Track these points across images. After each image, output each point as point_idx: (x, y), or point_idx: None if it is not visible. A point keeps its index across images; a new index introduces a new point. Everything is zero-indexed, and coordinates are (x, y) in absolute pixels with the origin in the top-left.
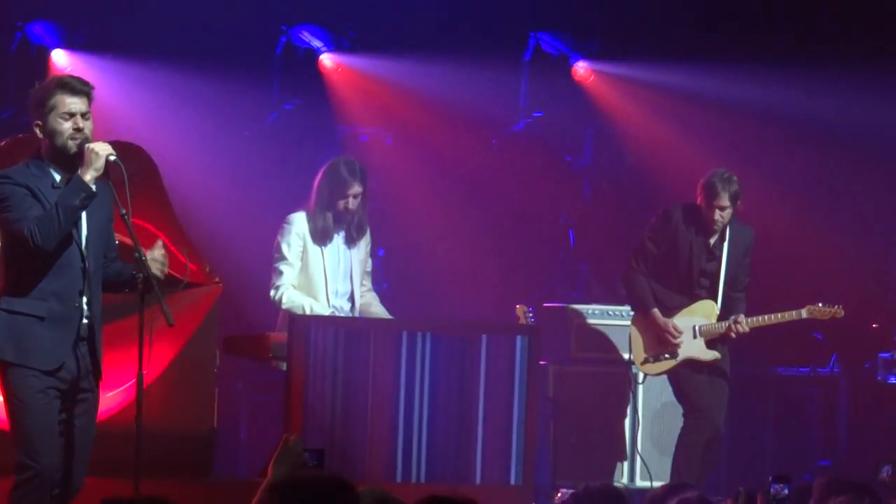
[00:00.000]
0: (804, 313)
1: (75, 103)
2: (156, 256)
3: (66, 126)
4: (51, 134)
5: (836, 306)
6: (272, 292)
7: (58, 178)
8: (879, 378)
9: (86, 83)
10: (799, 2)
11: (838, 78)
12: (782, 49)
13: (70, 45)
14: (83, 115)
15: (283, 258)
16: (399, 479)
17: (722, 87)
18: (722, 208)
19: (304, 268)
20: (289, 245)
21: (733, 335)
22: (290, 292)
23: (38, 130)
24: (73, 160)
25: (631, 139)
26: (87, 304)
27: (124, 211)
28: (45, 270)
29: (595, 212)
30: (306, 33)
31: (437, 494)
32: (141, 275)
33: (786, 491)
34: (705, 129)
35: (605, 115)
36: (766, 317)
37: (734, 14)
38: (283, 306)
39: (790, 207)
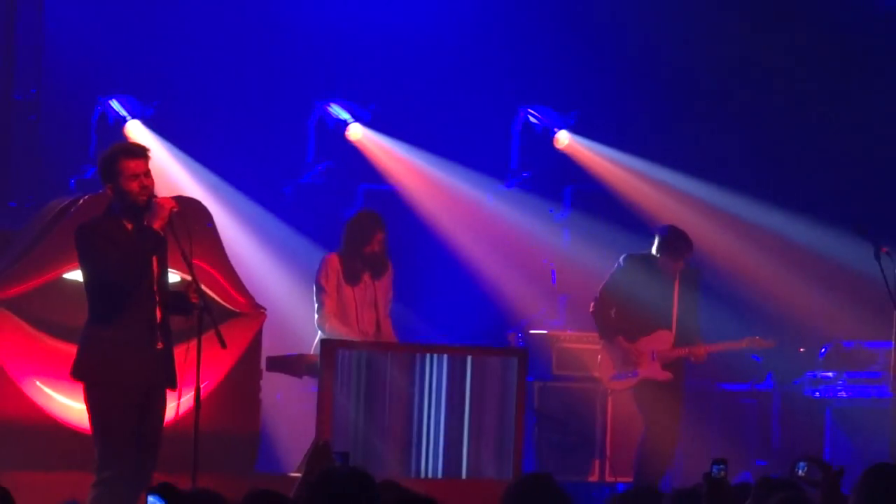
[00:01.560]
0: (745, 343)
1: (138, 165)
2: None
3: (134, 185)
4: (121, 193)
5: (770, 339)
6: (317, 319)
7: (130, 226)
8: (806, 393)
9: (143, 147)
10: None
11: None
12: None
13: (141, 116)
14: (145, 174)
15: (323, 291)
16: (413, 475)
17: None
18: (676, 261)
19: (338, 300)
20: (327, 280)
21: (693, 360)
22: (333, 321)
23: (110, 191)
24: (142, 212)
25: (602, 195)
26: (161, 329)
27: (185, 253)
28: (125, 303)
29: (572, 255)
30: (335, 106)
31: (425, 494)
32: (200, 305)
33: (723, 470)
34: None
35: (581, 176)
36: (714, 345)
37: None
38: (327, 331)
39: (738, 255)
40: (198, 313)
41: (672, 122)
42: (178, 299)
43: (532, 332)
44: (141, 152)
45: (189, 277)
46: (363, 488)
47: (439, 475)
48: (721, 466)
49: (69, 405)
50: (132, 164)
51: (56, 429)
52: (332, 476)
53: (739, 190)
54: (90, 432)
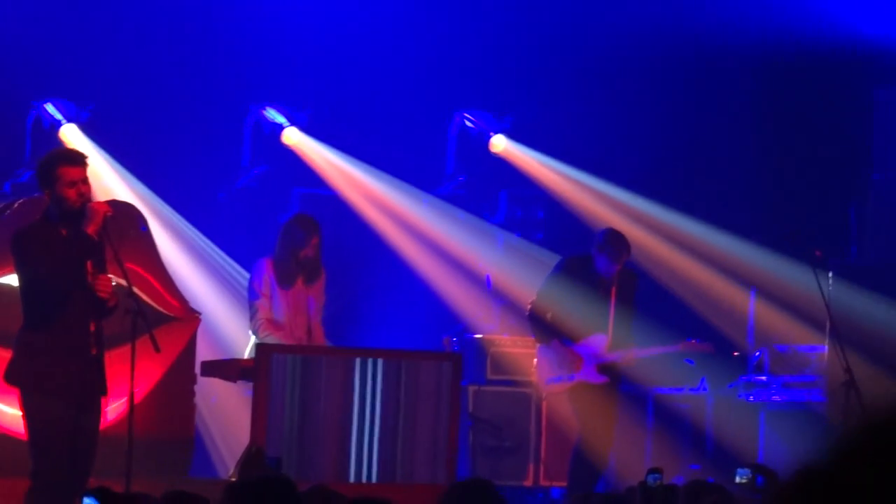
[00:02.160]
0: (681, 347)
1: (76, 172)
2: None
3: (71, 192)
4: (58, 200)
5: (706, 343)
6: (251, 324)
7: (65, 232)
8: (740, 397)
9: (82, 154)
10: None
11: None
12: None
13: (76, 120)
14: (83, 181)
15: (256, 296)
16: (348, 479)
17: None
18: (614, 264)
19: (271, 305)
20: (260, 285)
21: (624, 364)
22: (266, 326)
23: (47, 196)
24: (77, 217)
25: (537, 199)
26: (95, 334)
27: (118, 257)
28: (59, 309)
29: (507, 260)
30: (271, 110)
31: (365, 496)
32: (134, 309)
33: (659, 480)
34: (604, 194)
35: (516, 180)
36: (649, 349)
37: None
38: (260, 336)
39: (672, 261)
40: (132, 318)
41: (606, 127)
42: (96, 300)
43: (467, 336)
44: (80, 159)
45: (123, 282)
46: (282, 496)
47: (374, 480)
48: (657, 476)
49: (3, 410)
50: (70, 171)
51: None
52: (251, 481)
53: (674, 198)
54: (25, 438)
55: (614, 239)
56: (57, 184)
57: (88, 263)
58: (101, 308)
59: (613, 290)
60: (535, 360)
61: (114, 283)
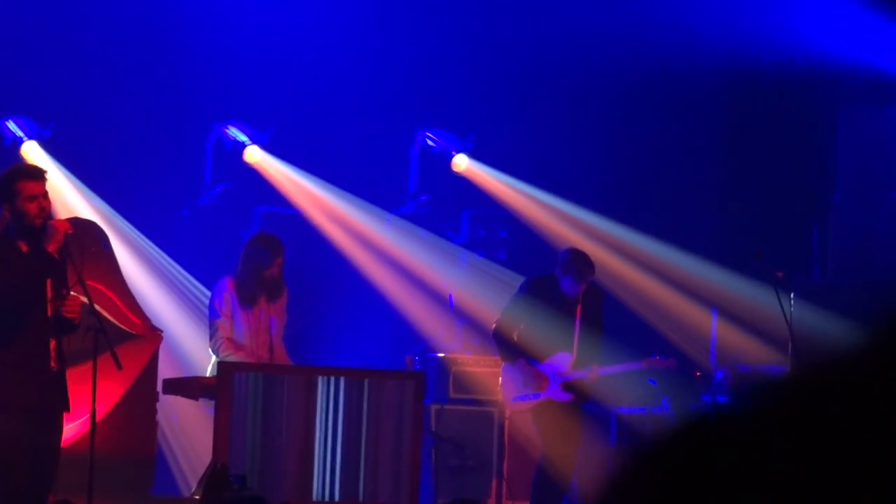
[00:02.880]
0: (644, 364)
1: (36, 187)
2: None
3: (31, 207)
4: (18, 215)
5: (670, 359)
6: (211, 343)
7: (25, 249)
8: None
9: (41, 170)
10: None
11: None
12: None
13: (38, 137)
14: (43, 196)
15: (217, 315)
16: (311, 497)
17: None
18: (578, 283)
19: (232, 324)
20: (221, 304)
21: (590, 381)
22: (226, 345)
23: (7, 212)
24: (37, 234)
25: (500, 219)
26: (56, 350)
27: (80, 274)
28: (18, 325)
29: (469, 279)
30: (233, 128)
31: None
32: (95, 326)
33: None
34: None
35: (479, 200)
36: (613, 367)
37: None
38: (220, 356)
39: (634, 281)
40: (93, 335)
41: (570, 147)
42: (57, 316)
43: (429, 355)
44: (39, 174)
45: (84, 299)
46: None
47: (336, 498)
48: None
49: None
50: (30, 186)
51: None
52: (226, 501)
53: (637, 218)
54: None
55: (578, 259)
56: (17, 199)
57: (49, 282)
58: (66, 327)
59: (578, 308)
60: (500, 378)
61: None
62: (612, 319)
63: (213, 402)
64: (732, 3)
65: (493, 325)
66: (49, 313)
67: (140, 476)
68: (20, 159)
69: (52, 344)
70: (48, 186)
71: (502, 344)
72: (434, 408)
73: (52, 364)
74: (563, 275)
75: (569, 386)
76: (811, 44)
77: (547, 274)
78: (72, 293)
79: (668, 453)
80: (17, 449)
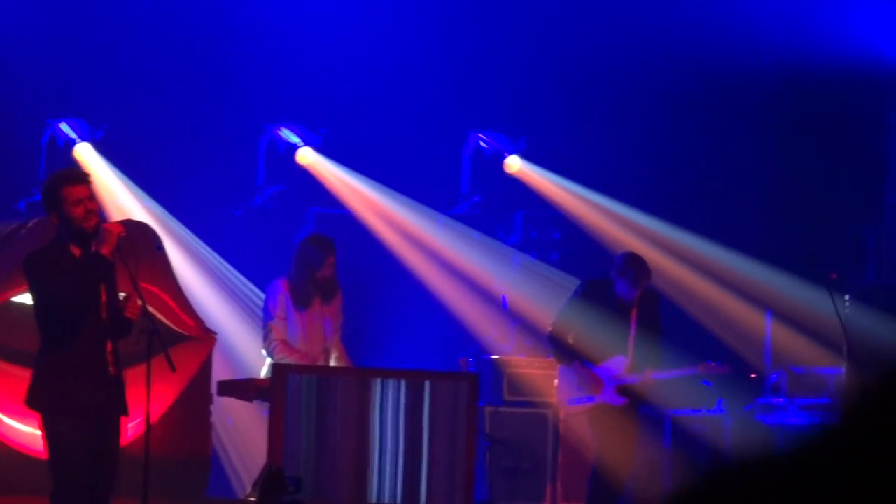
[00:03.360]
0: (699, 369)
1: (80, 191)
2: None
3: (77, 211)
4: (67, 220)
5: (724, 365)
6: (264, 345)
7: (78, 253)
8: (757, 419)
9: (84, 173)
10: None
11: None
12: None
13: (91, 139)
14: (89, 198)
15: (270, 317)
16: (369, 499)
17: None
18: (633, 287)
19: (286, 325)
20: (275, 306)
21: (643, 386)
22: (280, 347)
23: (55, 219)
24: (89, 238)
25: (553, 220)
26: (112, 355)
27: (133, 277)
28: (74, 329)
29: (522, 280)
30: (286, 130)
31: None
32: (149, 329)
33: None
34: (619, 215)
35: (531, 201)
36: (667, 372)
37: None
38: (275, 358)
39: (689, 284)
40: (147, 337)
41: (622, 148)
42: (117, 318)
43: (483, 357)
44: (82, 178)
45: (138, 302)
46: None
47: (392, 500)
48: None
49: (19, 429)
50: (74, 190)
51: (6, 452)
52: None
53: (690, 219)
54: (44, 457)
55: (634, 263)
56: (63, 204)
57: (104, 286)
58: (122, 330)
59: (634, 312)
60: (556, 381)
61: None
62: (665, 322)
63: (267, 404)
64: (784, 2)
65: (549, 328)
66: (104, 317)
67: (195, 478)
68: (73, 161)
69: (109, 347)
70: (99, 188)
71: (558, 346)
72: (488, 410)
73: (111, 368)
74: (619, 278)
75: (623, 389)
76: (864, 42)
77: (602, 277)
78: (128, 295)
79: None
80: (79, 453)
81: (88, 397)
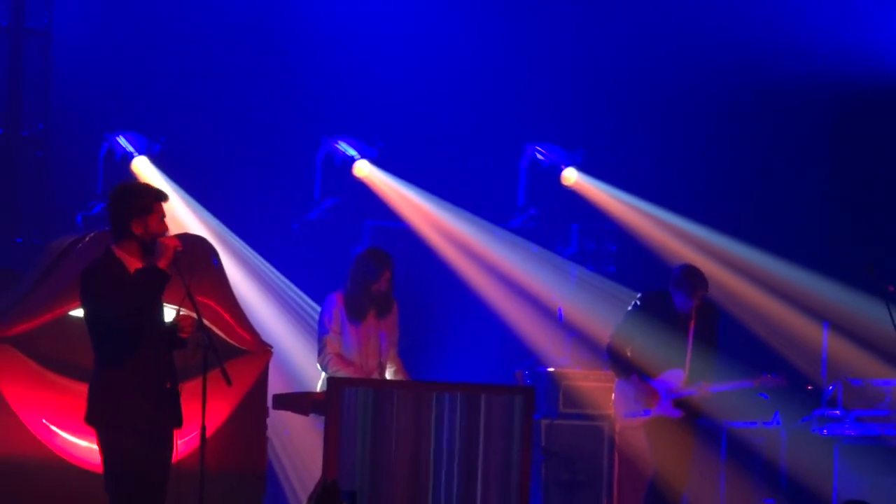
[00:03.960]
0: (756, 382)
1: (164, 209)
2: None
3: (163, 227)
4: (151, 233)
5: (781, 377)
6: (319, 359)
7: (135, 266)
8: (813, 431)
9: (165, 194)
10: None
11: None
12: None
13: (148, 153)
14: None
15: (326, 330)
16: None
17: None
18: (691, 296)
19: (342, 339)
20: (330, 319)
21: (701, 398)
22: (335, 360)
23: (133, 229)
24: (147, 251)
25: (609, 232)
26: (167, 368)
27: (189, 291)
28: (131, 343)
29: (579, 292)
30: (342, 143)
31: None
32: (205, 342)
33: None
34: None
35: (588, 213)
36: (724, 385)
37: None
38: (330, 372)
39: (745, 295)
40: (203, 351)
41: (678, 160)
42: (171, 335)
43: (539, 369)
44: (166, 198)
45: (194, 315)
46: None
47: None
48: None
49: (76, 443)
50: (162, 207)
51: (63, 466)
52: None
53: (747, 231)
54: (100, 471)
55: (690, 275)
56: (149, 218)
57: (161, 299)
58: (176, 343)
59: (691, 325)
60: (613, 394)
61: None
62: (723, 333)
63: (323, 418)
64: (839, 13)
65: (607, 341)
66: (159, 331)
67: (250, 491)
68: (131, 175)
69: (165, 361)
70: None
71: (616, 359)
72: (544, 423)
73: (167, 383)
74: (676, 290)
75: (680, 403)
76: None
77: (661, 290)
78: (182, 311)
79: None
80: (135, 466)
81: (145, 411)
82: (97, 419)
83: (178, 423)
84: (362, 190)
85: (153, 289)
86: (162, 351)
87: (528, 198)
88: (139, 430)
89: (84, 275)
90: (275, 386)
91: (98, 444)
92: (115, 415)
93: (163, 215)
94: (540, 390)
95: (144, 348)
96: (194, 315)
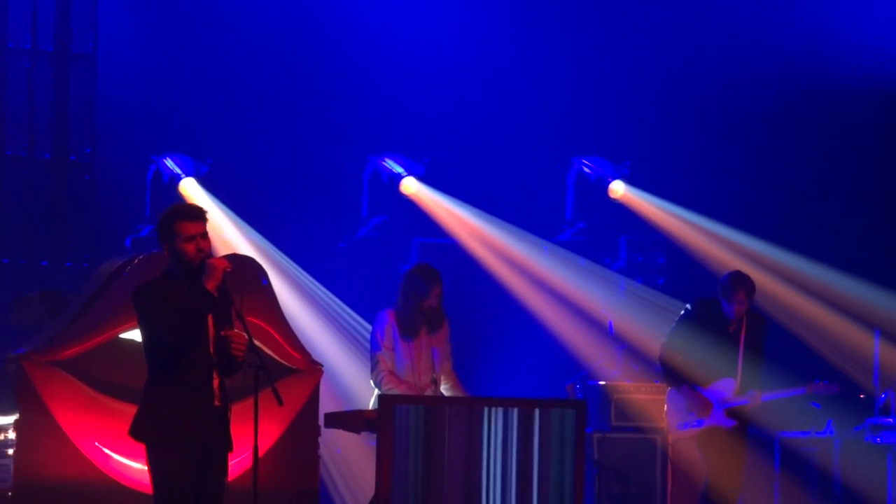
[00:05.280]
0: (809, 389)
1: (195, 227)
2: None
3: (188, 247)
4: (177, 254)
5: (833, 384)
6: (372, 376)
7: (185, 288)
8: (867, 440)
9: (201, 210)
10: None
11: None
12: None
13: (195, 174)
14: (202, 236)
15: (378, 348)
16: None
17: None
18: (740, 301)
19: (394, 356)
20: (382, 337)
21: (750, 407)
22: (388, 378)
23: (166, 252)
24: (197, 273)
25: (657, 244)
26: (218, 388)
27: (239, 311)
28: (181, 363)
29: (629, 305)
30: (389, 160)
31: None
32: (256, 362)
33: None
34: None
35: (636, 226)
36: (776, 393)
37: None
38: (383, 389)
39: (795, 305)
40: (254, 371)
41: (725, 171)
42: (226, 356)
43: (590, 383)
44: (198, 214)
45: (244, 335)
46: None
47: None
48: None
49: (129, 465)
50: (189, 226)
51: (116, 489)
52: None
53: (795, 240)
54: (151, 492)
55: (738, 281)
56: (176, 239)
57: (210, 320)
58: (232, 366)
59: (742, 334)
60: (665, 405)
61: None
62: (774, 342)
63: (375, 435)
64: (888, 21)
65: (659, 350)
66: (211, 351)
67: None
68: (178, 197)
69: (216, 381)
70: (207, 225)
71: (667, 369)
72: (596, 436)
73: (216, 402)
74: (725, 298)
75: (733, 412)
76: None
77: (710, 298)
78: (235, 330)
79: None
80: (183, 486)
81: (192, 430)
82: (138, 433)
83: (228, 445)
84: (410, 207)
85: (199, 310)
86: (212, 371)
87: (575, 211)
88: (186, 448)
89: (137, 291)
90: (326, 404)
91: (146, 463)
92: (160, 432)
93: (191, 235)
94: (592, 404)
95: (194, 367)
96: (243, 334)
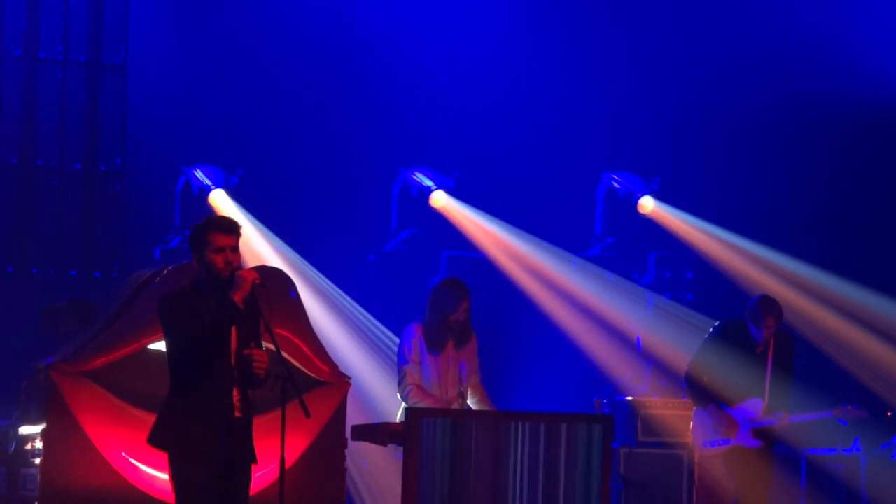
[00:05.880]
0: (836, 413)
1: (226, 240)
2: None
3: (217, 259)
4: (206, 265)
5: (861, 409)
6: (399, 389)
7: (212, 299)
8: (894, 458)
9: (236, 224)
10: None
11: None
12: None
13: (225, 186)
14: (232, 250)
15: (405, 361)
16: None
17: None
18: (768, 327)
19: (421, 370)
20: (409, 350)
21: (778, 428)
22: (415, 391)
23: (196, 261)
24: (225, 284)
25: (686, 260)
26: (240, 400)
27: (268, 323)
28: (204, 374)
29: (657, 320)
30: (418, 173)
31: None
32: (283, 374)
33: None
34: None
35: (665, 241)
36: (804, 415)
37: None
38: (410, 403)
39: (823, 322)
40: (281, 383)
41: (755, 187)
42: (246, 371)
43: (617, 398)
44: (232, 228)
45: (272, 347)
46: None
47: None
48: None
49: (155, 475)
50: (220, 238)
51: (142, 499)
52: None
53: (824, 257)
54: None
55: (765, 306)
56: (206, 249)
57: (235, 332)
58: (254, 381)
59: (769, 354)
60: (692, 423)
61: (264, 349)
62: (802, 361)
63: (401, 448)
64: None
65: (686, 368)
66: (233, 363)
67: None
68: (208, 208)
69: (236, 394)
70: (238, 239)
71: (694, 388)
72: (623, 451)
73: (236, 413)
74: (753, 323)
75: (759, 432)
76: None
77: (738, 319)
78: (257, 349)
79: None
80: (204, 498)
81: (212, 441)
82: (159, 442)
83: (251, 457)
84: (439, 220)
85: (223, 322)
86: (234, 382)
87: (604, 226)
88: (206, 459)
89: (162, 301)
90: (353, 417)
91: (168, 473)
92: (179, 442)
93: (220, 247)
94: (619, 419)
95: (216, 378)
96: (270, 346)
